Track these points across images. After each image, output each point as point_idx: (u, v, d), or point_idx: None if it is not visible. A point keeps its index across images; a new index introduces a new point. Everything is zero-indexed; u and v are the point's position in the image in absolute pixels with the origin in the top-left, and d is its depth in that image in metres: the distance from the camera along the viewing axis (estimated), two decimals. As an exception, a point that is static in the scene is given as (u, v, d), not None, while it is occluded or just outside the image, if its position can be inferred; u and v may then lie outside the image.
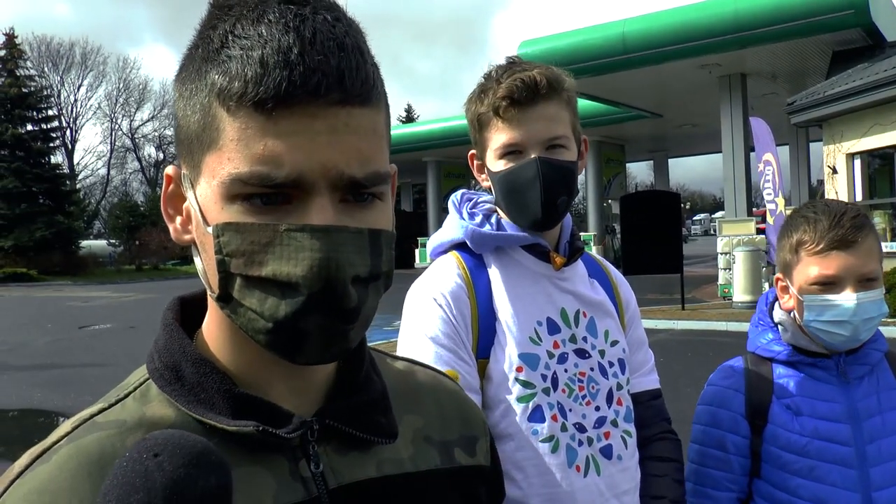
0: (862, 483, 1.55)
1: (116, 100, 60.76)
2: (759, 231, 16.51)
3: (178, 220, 0.75)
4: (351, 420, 0.77)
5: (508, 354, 1.46)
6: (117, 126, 61.53)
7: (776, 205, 13.80)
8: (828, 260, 1.54)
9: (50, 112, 41.79)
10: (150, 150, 65.32)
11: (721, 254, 16.50)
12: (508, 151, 1.49)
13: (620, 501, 1.49)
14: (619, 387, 1.55)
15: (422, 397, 0.91)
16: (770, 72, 19.06)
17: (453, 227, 1.60)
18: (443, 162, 33.74)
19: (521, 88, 1.45)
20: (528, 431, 1.44)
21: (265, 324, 0.67)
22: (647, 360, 1.69)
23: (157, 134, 62.25)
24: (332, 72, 0.64)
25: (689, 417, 1.77)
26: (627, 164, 35.18)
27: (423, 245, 27.65)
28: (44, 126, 39.79)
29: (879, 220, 14.89)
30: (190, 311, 0.82)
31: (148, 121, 63.86)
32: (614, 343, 1.58)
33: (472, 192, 1.70)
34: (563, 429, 1.45)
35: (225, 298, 0.69)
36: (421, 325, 1.47)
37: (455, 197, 1.66)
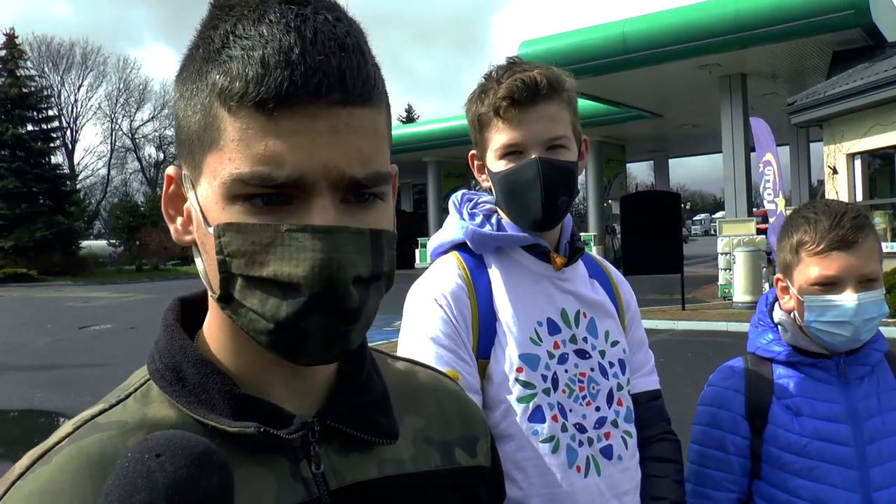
0: (862, 483, 1.55)
1: (117, 100, 60.86)
2: (760, 231, 16.51)
3: (179, 220, 0.75)
4: (352, 421, 0.77)
5: (509, 355, 1.46)
6: (117, 126, 61.64)
7: (776, 205, 13.80)
8: (828, 260, 1.54)
9: (50, 112, 41.82)
10: (150, 151, 65.45)
11: (721, 254, 16.49)
12: (509, 152, 1.49)
13: (621, 502, 1.49)
14: (620, 387, 1.55)
15: (422, 398, 0.91)
16: (770, 72, 19.06)
17: (454, 227, 1.60)
18: (443, 162, 33.74)
19: (521, 89, 1.45)
20: (528, 432, 1.44)
21: (266, 324, 0.67)
22: (647, 360, 1.69)
23: (157, 134, 62.36)
24: (333, 72, 0.64)
25: (690, 418, 1.77)
26: (628, 165, 35.19)
27: (424, 245, 27.66)
28: (44, 126, 39.79)
29: (880, 221, 14.89)
30: (191, 312, 0.82)
31: (148, 121, 63.97)
32: (615, 343, 1.58)
33: (473, 192, 1.70)
34: (564, 429, 1.45)
35: (226, 299, 0.69)
36: (421, 326, 1.47)
37: (455, 197, 1.66)
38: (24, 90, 38.49)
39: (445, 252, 1.62)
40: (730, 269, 15.55)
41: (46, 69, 54.63)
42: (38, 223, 35.61)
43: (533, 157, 1.47)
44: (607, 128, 26.67)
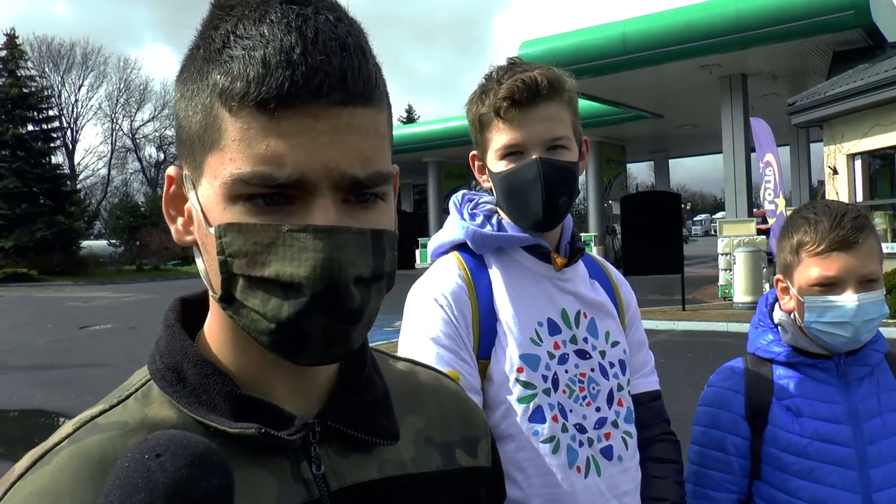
0: (862, 484, 1.55)
1: (117, 100, 60.84)
2: (760, 232, 16.50)
3: (180, 220, 0.75)
4: (353, 422, 0.77)
5: (509, 355, 1.46)
6: (118, 126, 61.62)
7: (776, 205, 13.80)
8: (828, 261, 1.54)
9: (51, 112, 41.80)
10: (150, 151, 65.42)
11: (721, 254, 16.49)
12: (509, 152, 1.49)
13: (621, 502, 1.49)
14: (620, 388, 1.55)
15: (423, 398, 0.91)
16: (771, 72, 19.05)
17: (454, 227, 1.60)
18: (443, 162, 33.74)
19: (522, 89, 1.45)
20: (528, 432, 1.44)
21: (268, 324, 0.67)
22: (647, 361, 1.69)
23: (157, 134, 62.34)
24: (335, 72, 0.64)
25: (690, 418, 1.77)
26: (628, 165, 35.20)
27: (424, 246, 27.62)
28: (45, 126, 39.78)
29: (880, 221, 14.89)
30: (191, 312, 0.82)
31: (149, 121, 63.93)
32: (615, 344, 1.58)
33: (473, 192, 1.70)
34: (564, 429, 1.45)
35: (227, 299, 0.69)
36: (422, 326, 1.47)
37: (456, 197, 1.66)
38: (25, 90, 38.48)
39: (446, 252, 1.62)
40: (730, 270, 15.55)
41: (47, 69, 54.70)
42: (39, 223, 35.61)
43: (533, 157, 1.47)
44: (607, 128, 26.66)
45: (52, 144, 40.34)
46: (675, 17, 17.58)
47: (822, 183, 17.94)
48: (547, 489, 1.43)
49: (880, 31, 16.11)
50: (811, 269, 1.56)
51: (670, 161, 38.09)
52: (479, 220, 1.58)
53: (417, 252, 30.06)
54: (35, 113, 39.20)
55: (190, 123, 0.70)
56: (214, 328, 0.77)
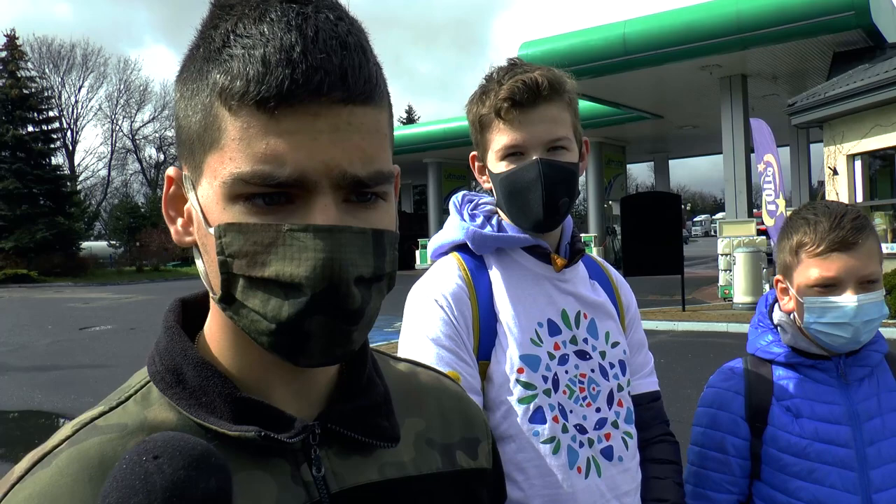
0: (862, 485, 1.55)
1: (117, 101, 60.87)
2: (760, 232, 16.50)
3: (180, 221, 0.74)
4: (353, 424, 0.77)
5: (509, 356, 1.46)
6: (118, 127, 61.68)
7: (776, 206, 13.79)
8: (828, 262, 1.54)
9: (51, 113, 41.74)
10: (150, 152, 65.47)
11: (721, 255, 16.50)
12: (510, 153, 1.49)
13: (621, 502, 1.49)
14: (620, 388, 1.55)
15: (424, 399, 0.90)
16: (771, 73, 19.05)
17: (454, 228, 1.60)
18: (443, 163, 33.74)
19: (522, 90, 1.45)
20: (529, 433, 1.43)
21: (268, 325, 0.67)
22: (647, 362, 1.69)
23: (157, 135, 62.36)
24: (335, 70, 0.64)
25: (690, 419, 1.77)
26: (628, 166, 35.17)
27: (424, 246, 27.64)
28: (45, 127, 39.75)
29: (880, 222, 14.89)
30: (191, 314, 0.82)
31: (149, 122, 64.07)
32: (615, 344, 1.58)
33: (473, 193, 1.70)
34: (564, 430, 1.45)
35: (227, 300, 0.69)
36: (422, 327, 1.47)
37: (456, 198, 1.66)
38: (25, 91, 38.46)
39: (446, 253, 1.62)
40: (730, 270, 15.55)
41: (47, 70, 54.72)
42: (39, 224, 35.61)
43: (534, 158, 1.47)
44: (608, 129, 26.66)
45: (52, 145, 40.27)
46: (676, 17, 17.58)
47: (822, 183, 17.93)
48: (547, 490, 1.43)
49: (880, 31, 16.11)
50: (811, 270, 1.56)
51: (670, 162, 38.09)
52: (479, 220, 1.57)
53: (417, 253, 30.06)
54: (35, 114, 39.18)
55: (189, 123, 0.69)
56: (214, 330, 0.77)
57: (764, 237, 15.84)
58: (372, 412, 0.79)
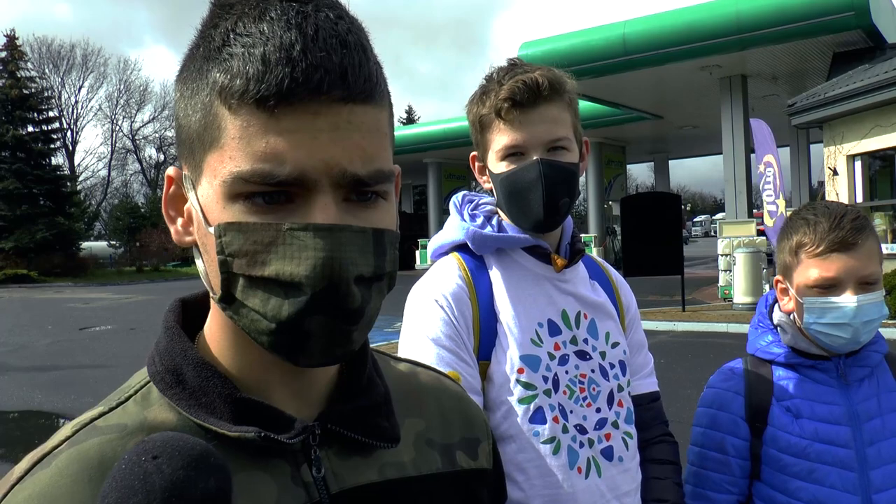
0: (862, 485, 1.55)
1: (117, 101, 60.85)
2: (760, 233, 16.51)
3: (180, 221, 0.74)
4: (353, 424, 0.77)
5: (510, 356, 1.46)
6: (118, 127, 61.66)
7: (776, 206, 13.80)
8: (828, 262, 1.54)
9: (51, 113, 41.68)
10: (150, 152, 65.45)
11: (721, 255, 16.50)
12: (510, 153, 1.49)
13: (621, 503, 1.49)
14: (620, 388, 1.55)
15: (424, 399, 0.90)
16: (771, 73, 19.06)
17: (454, 228, 1.60)
18: (443, 163, 33.75)
19: (522, 90, 1.45)
20: (529, 433, 1.43)
21: (268, 324, 0.66)
22: (646, 362, 1.69)
23: (157, 135, 62.32)
24: (335, 69, 0.64)
25: (690, 419, 1.77)
26: (628, 166, 35.17)
27: (424, 247, 27.64)
28: (45, 127, 39.71)
29: (880, 222, 14.89)
30: (191, 314, 0.81)
31: (149, 122, 64.02)
32: (615, 345, 1.58)
33: (474, 193, 1.70)
34: (565, 430, 1.45)
35: (227, 299, 0.69)
36: (422, 327, 1.47)
37: (456, 198, 1.66)
38: (25, 91, 38.42)
39: (446, 253, 1.62)
40: (730, 271, 15.56)
41: (47, 70, 54.67)
42: (39, 224, 35.59)
43: (534, 158, 1.47)
44: (608, 129, 26.66)
45: (52, 146, 40.23)
46: (676, 17, 17.58)
47: (822, 184, 17.93)
48: (548, 490, 1.43)
49: (880, 32, 16.11)
50: (810, 271, 1.56)
51: (670, 162, 38.09)
52: (479, 220, 1.57)
53: (417, 253, 30.06)
54: (35, 114, 39.14)
55: (189, 123, 0.69)
56: (214, 330, 0.77)
57: (764, 237, 15.83)
58: (372, 412, 0.79)
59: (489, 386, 1.47)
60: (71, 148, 56.10)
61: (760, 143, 14.48)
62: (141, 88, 69.72)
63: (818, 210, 1.60)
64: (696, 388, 2.22)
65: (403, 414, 0.85)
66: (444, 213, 30.45)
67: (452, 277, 1.52)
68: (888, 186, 15.31)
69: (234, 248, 0.66)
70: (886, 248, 13.50)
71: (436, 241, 1.66)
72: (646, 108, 23.64)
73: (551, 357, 1.48)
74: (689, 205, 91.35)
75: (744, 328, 11.35)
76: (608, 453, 1.49)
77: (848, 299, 1.52)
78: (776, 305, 1.72)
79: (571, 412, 1.47)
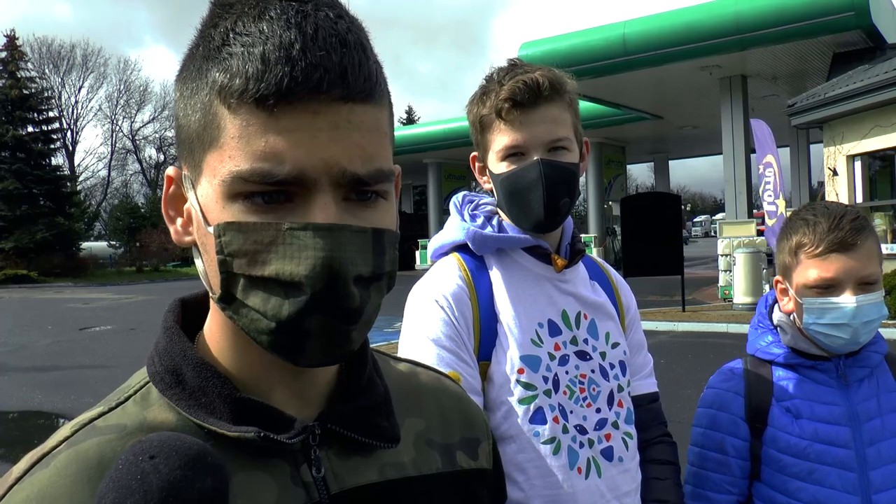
0: (861, 486, 1.55)
1: (117, 101, 60.89)
2: (760, 233, 16.51)
3: (179, 221, 0.74)
4: (353, 424, 0.77)
5: (510, 356, 1.46)
6: (118, 128, 61.70)
7: (776, 206, 13.80)
8: (827, 262, 1.54)
9: (51, 114, 41.69)
10: (150, 152, 65.50)
11: (721, 255, 16.50)
12: (511, 153, 1.49)
13: (621, 503, 1.49)
14: (620, 389, 1.55)
15: (424, 399, 0.90)
16: (770, 73, 19.06)
17: (455, 228, 1.60)
18: (443, 163, 33.76)
19: (523, 90, 1.45)
20: (529, 433, 1.43)
21: (268, 323, 0.66)
22: (646, 363, 1.69)
23: (157, 136, 62.36)
24: (335, 68, 0.64)
25: (690, 419, 1.77)
26: (628, 166, 35.17)
27: (424, 247, 27.66)
28: (45, 128, 39.71)
29: (880, 222, 14.89)
30: (191, 314, 0.81)
31: (149, 122, 64.04)
32: (615, 345, 1.58)
33: (474, 193, 1.70)
34: (565, 430, 1.45)
35: (226, 299, 0.69)
36: (422, 327, 1.47)
37: (456, 199, 1.66)
38: (25, 92, 38.43)
39: (446, 253, 1.62)
40: (730, 271, 15.56)
41: (47, 71, 54.71)
42: (39, 225, 35.59)
43: (535, 158, 1.47)
44: (608, 129, 26.67)
45: (52, 146, 40.23)
46: (675, 18, 17.59)
47: (821, 184, 17.94)
48: (548, 490, 1.43)
49: (880, 32, 16.12)
50: (810, 271, 1.56)
51: (670, 162, 38.10)
52: (479, 221, 1.57)
53: (417, 253, 30.06)
54: (35, 114, 39.14)
55: (189, 122, 0.69)
56: (214, 330, 0.76)
57: (763, 237, 15.83)
58: (372, 412, 0.79)
59: (489, 386, 1.47)
60: (71, 148, 56.16)
61: (760, 144, 14.48)
62: (141, 89, 69.76)
63: (818, 210, 1.60)
64: (696, 389, 2.21)
65: (403, 414, 0.85)
66: (444, 214, 30.46)
67: (453, 278, 1.51)
68: (888, 186, 15.31)
69: (234, 248, 0.66)
70: (886, 248, 13.50)
71: (436, 241, 1.65)
72: (646, 108, 23.64)
73: (551, 357, 1.48)
74: (689, 205, 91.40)
75: (744, 328, 11.35)
76: (608, 454, 1.49)
77: (847, 300, 1.52)
78: (776, 306, 1.72)
79: (571, 412, 1.47)
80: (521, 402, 1.44)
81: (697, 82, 19.61)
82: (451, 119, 30.25)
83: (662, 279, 15.90)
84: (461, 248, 1.59)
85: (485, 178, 1.59)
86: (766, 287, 13.78)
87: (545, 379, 1.46)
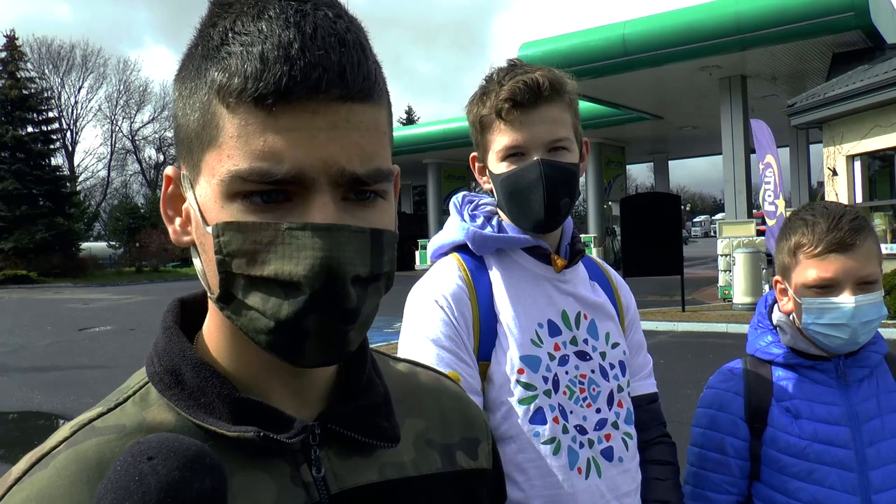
0: (861, 486, 1.54)
1: (117, 102, 60.91)
2: (760, 233, 16.52)
3: (178, 221, 0.74)
4: (353, 424, 0.77)
5: (510, 356, 1.46)
6: (117, 128, 61.72)
7: (776, 207, 13.80)
8: (826, 263, 1.54)
9: (50, 114, 41.65)
10: (150, 152, 65.54)
11: (721, 255, 16.50)
12: (511, 153, 1.49)
13: (621, 503, 1.48)
14: (620, 389, 1.55)
15: (423, 399, 0.90)
16: (770, 74, 19.07)
17: (454, 228, 1.60)
18: (443, 164, 33.75)
19: (523, 91, 1.45)
20: (529, 433, 1.43)
21: (267, 323, 0.66)
22: (645, 363, 1.69)
23: (157, 136, 62.36)
24: (333, 67, 0.64)
25: (689, 419, 1.77)
26: (628, 166, 35.16)
27: (424, 247, 27.68)
28: (44, 128, 39.68)
29: (880, 222, 14.90)
30: (190, 314, 0.81)
31: (148, 123, 64.01)
32: (615, 345, 1.58)
33: (474, 194, 1.70)
34: (565, 431, 1.45)
35: (225, 299, 0.69)
36: (422, 327, 1.47)
37: (456, 199, 1.66)
38: (25, 92, 38.39)
39: (446, 254, 1.62)
40: (730, 271, 15.56)
41: (47, 71, 54.70)
42: (38, 225, 35.57)
43: (535, 158, 1.47)
44: (607, 129, 26.67)
45: (51, 146, 40.21)
46: (675, 18, 17.60)
47: (821, 184, 17.94)
48: (548, 490, 1.43)
49: (880, 32, 16.12)
50: (809, 271, 1.56)
51: (670, 162, 38.11)
52: (479, 221, 1.57)
53: (417, 253, 30.06)
54: (35, 115, 39.11)
55: (188, 122, 0.69)
56: (213, 330, 0.76)
57: (763, 238, 15.84)
58: (372, 412, 0.79)
59: (489, 386, 1.47)
60: (70, 148, 56.14)
61: (760, 144, 14.48)
62: (140, 89, 69.82)
63: (817, 210, 1.60)
64: (695, 389, 2.22)
65: (403, 414, 0.85)
66: (443, 214, 30.46)
67: (452, 278, 1.51)
68: (888, 187, 15.32)
69: (233, 248, 0.66)
70: (886, 248, 13.51)
71: (436, 241, 1.65)
72: (646, 108, 23.65)
73: (551, 357, 1.48)
74: (689, 205, 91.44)
75: (743, 328, 11.35)
76: (608, 454, 1.49)
77: (846, 300, 1.52)
78: (776, 306, 1.72)
79: (571, 413, 1.47)
80: (520, 402, 1.44)
81: (697, 82, 19.61)
82: (451, 119, 30.24)
83: (662, 279, 15.90)
84: (461, 248, 1.59)
85: (485, 179, 1.59)
86: (766, 287, 13.79)
87: (545, 379, 1.46)
